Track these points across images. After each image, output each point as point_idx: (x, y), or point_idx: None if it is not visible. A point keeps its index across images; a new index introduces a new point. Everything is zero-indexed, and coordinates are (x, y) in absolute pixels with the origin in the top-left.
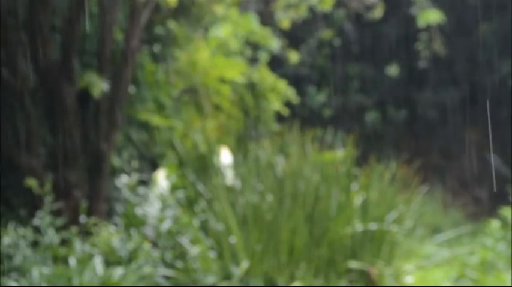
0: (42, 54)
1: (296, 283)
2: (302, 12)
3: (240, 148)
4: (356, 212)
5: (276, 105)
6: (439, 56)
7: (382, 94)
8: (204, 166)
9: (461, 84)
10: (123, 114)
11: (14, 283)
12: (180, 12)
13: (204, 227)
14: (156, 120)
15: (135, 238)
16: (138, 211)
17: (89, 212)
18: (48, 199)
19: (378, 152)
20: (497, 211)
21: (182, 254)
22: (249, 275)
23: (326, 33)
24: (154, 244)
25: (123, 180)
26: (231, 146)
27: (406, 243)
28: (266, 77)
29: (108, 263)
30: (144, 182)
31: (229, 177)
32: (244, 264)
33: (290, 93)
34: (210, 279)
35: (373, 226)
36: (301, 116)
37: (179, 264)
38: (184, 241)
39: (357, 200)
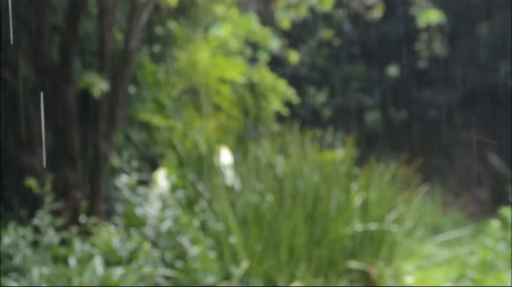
0: (42, 54)
1: (296, 283)
2: (302, 12)
3: (240, 148)
4: (356, 212)
5: (276, 105)
6: (439, 56)
7: (382, 94)
8: (204, 166)
9: (461, 84)
10: (123, 114)
11: (14, 283)
12: (180, 12)
13: (204, 227)
14: (156, 120)
15: (135, 238)
16: (138, 211)
17: (89, 212)
18: (48, 199)
19: (378, 152)
20: (497, 211)
21: (182, 254)
22: (249, 275)
23: (326, 33)
24: (154, 244)
25: (123, 180)
26: (231, 146)
27: (406, 243)
28: (266, 77)
29: (108, 263)
30: (144, 182)
31: (229, 177)
32: (244, 264)
33: (290, 93)
34: (210, 279)
35: (373, 226)
36: (301, 116)
37: (179, 264)
38: (184, 241)
39: (357, 200)
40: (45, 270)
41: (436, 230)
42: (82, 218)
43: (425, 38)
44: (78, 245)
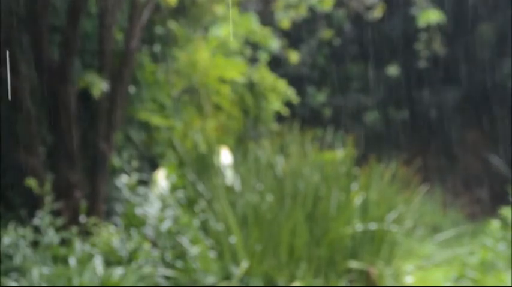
0: (42, 54)
1: (296, 283)
2: (302, 12)
3: (240, 148)
4: (356, 212)
5: (276, 105)
6: (439, 56)
7: (382, 94)
8: (204, 166)
9: (461, 84)
10: (123, 114)
11: (14, 283)
12: (180, 12)
13: (204, 227)
14: (156, 120)
15: (135, 238)
16: (138, 211)
17: (89, 212)
18: (48, 199)
19: (378, 152)
20: (497, 211)
21: (182, 254)
22: (249, 275)
23: (326, 33)
24: (154, 244)
25: (123, 180)
26: (231, 146)
27: (406, 243)
28: (266, 77)
29: (108, 263)
30: (144, 182)
31: (229, 177)
32: (244, 264)
33: (290, 93)
34: (210, 279)
35: (373, 226)
36: (301, 116)
37: (179, 264)
38: (184, 241)
39: (357, 200)
40: (45, 270)
41: (436, 230)
42: (82, 218)
43: (425, 38)
44: (78, 245)
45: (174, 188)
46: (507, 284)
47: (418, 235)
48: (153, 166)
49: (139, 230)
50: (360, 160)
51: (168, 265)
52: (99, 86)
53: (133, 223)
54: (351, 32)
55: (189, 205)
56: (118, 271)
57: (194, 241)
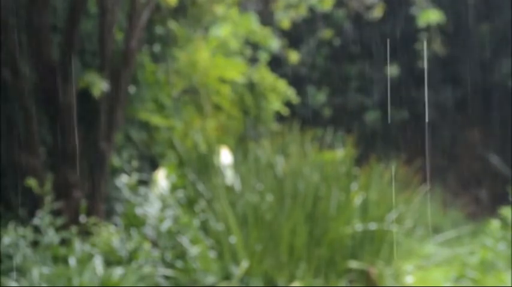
0: (42, 54)
1: (296, 283)
2: (302, 12)
3: (240, 148)
4: (356, 212)
5: (276, 105)
6: (439, 56)
7: (382, 94)
8: (204, 166)
9: (461, 84)
10: (123, 114)
11: (14, 283)
12: (180, 12)
13: (204, 227)
14: (156, 120)
15: (135, 238)
16: (138, 211)
17: (89, 212)
18: (48, 199)
19: (378, 152)
20: (497, 211)
21: (182, 254)
22: (249, 275)
23: (326, 33)
24: (154, 244)
25: (123, 180)
26: (231, 146)
27: (406, 243)
28: (266, 77)
29: (108, 263)
30: (144, 182)
31: (229, 177)
32: (244, 264)
33: (290, 93)
34: (210, 279)
35: (373, 226)
36: (301, 116)
37: (179, 264)
38: (184, 241)
39: (357, 200)
40: (45, 270)
41: (436, 230)
42: (82, 218)
43: (425, 38)
44: (78, 245)
45: (174, 188)
46: (507, 284)
47: (418, 235)
48: (153, 166)
49: (139, 230)
50: (360, 160)
51: (168, 265)
52: (99, 86)
53: (133, 223)
54: (351, 32)
55: (189, 205)
56: (118, 271)
57: (194, 241)
